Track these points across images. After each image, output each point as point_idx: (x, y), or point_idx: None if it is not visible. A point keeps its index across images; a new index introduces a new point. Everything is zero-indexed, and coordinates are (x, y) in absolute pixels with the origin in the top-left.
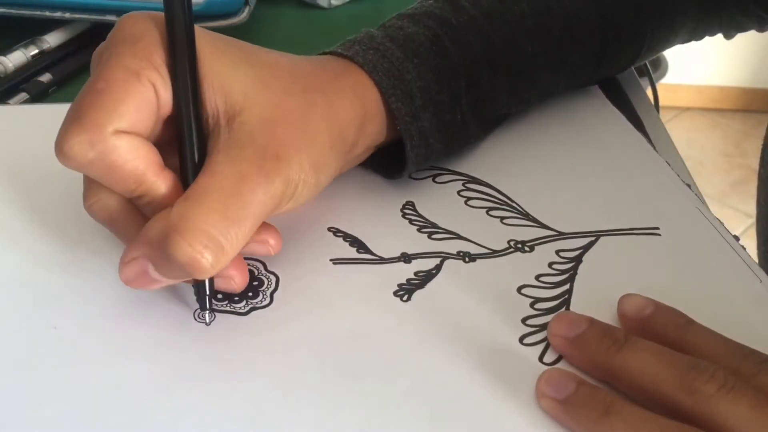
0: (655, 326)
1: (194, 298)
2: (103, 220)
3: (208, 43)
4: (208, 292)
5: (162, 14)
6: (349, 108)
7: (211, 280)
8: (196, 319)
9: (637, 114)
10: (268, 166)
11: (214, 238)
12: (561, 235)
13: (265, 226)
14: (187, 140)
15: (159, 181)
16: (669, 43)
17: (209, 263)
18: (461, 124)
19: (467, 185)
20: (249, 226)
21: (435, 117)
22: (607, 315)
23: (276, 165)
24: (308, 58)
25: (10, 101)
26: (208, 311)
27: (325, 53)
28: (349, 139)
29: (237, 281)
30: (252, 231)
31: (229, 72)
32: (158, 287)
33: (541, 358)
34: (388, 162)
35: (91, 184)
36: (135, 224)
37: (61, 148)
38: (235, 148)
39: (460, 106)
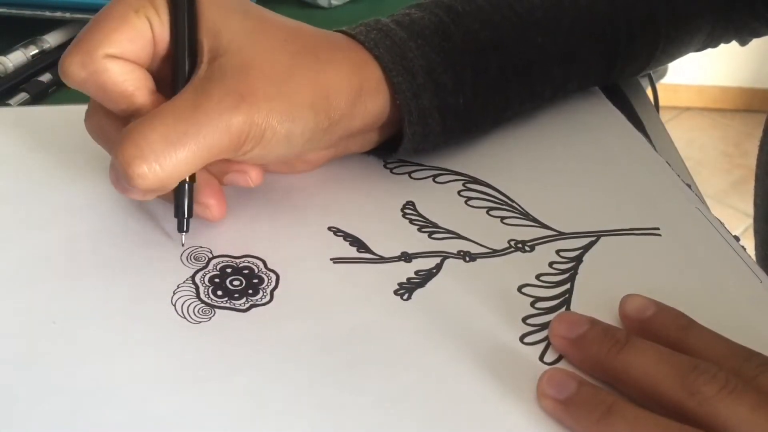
0: (657, 327)
1: (194, 292)
2: (96, 136)
3: None
4: (186, 215)
5: None
6: (342, 77)
7: (190, 203)
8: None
9: (637, 114)
10: (227, 103)
11: (146, 155)
12: (561, 235)
13: (248, 163)
14: (179, 69)
15: (148, 103)
16: (685, 47)
17: (138, 174)
18: (463, 109)
19: (467, 185)
20: (192, 153)
21: (436, 98)
22: (607, 315)
23: (237, 104)
24: (314, 29)
25: (10, 101)
26: (183, 233)
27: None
28: (339, 108)
29: (214, 211)
30: (199, 160)
31: (222, 19)
32: (134, 197)
33: (541, 358)
34: (388, 149)
35: (92, 106)
36: None
37: (60, 66)
38: (204, 83)
39: (464, 91)
